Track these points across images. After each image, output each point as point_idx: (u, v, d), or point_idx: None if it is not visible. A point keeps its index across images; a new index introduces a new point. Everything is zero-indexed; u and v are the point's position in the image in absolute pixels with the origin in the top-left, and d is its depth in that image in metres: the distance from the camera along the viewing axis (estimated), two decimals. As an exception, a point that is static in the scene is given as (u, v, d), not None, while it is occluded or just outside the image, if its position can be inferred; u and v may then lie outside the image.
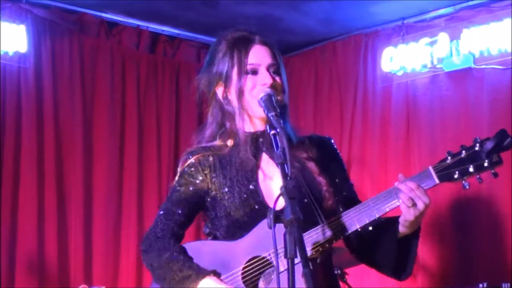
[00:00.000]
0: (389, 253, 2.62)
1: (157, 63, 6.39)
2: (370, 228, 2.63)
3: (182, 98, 6.47)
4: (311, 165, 2.72)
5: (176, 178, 2.79)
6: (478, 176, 2.44)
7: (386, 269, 2.70)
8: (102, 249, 5.82)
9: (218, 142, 2.75)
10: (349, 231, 2.51)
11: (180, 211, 2.72)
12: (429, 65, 5.86)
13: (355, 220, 2.51)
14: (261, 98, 2.55)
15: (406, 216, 2.48)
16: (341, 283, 5.32)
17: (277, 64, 2.70)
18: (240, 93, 2.68)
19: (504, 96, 5.44)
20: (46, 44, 5.71)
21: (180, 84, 6.48)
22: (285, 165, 2.29)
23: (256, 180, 2.66)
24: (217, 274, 2.57)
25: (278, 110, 2.49)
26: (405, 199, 2.46)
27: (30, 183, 5.48)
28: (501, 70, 5.48)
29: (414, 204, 2.45)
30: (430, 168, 2.47)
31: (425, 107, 5.90)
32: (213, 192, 2.70)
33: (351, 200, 2.70)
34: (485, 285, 4.58)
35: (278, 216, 2.20)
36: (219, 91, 2.77)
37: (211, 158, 2.73)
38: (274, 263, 2.49)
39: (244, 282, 2.56)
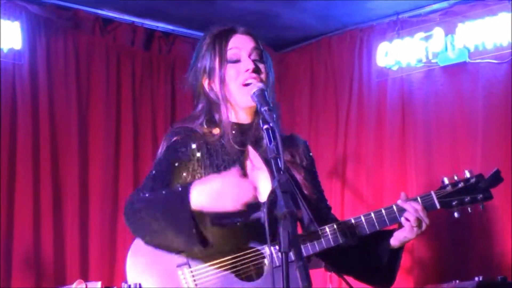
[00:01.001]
0: (379, 264, 2.67)
1: (152, 60, 6.38)
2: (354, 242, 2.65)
3: (178, 94, 6.47)
4: (298, 169, 2.75)
5: (162, 151, 2.75)
6: (470, 207, 2.70)
7: (373, 279, 2.75)
8: (98, 246, 5.82)
9: (204, 129, 2.72)
10: (346, 240, 2.57)
11: (168, 177, 2.68)
12: (424, 60, 5.87)
13: (356, 230, 2.59)
14: (254, 93, 2.53)
15: (409, 234, 2.61)
16: (339, 280, 5.37)
17: (259, 50, 2.70)
18: (222, 82, 2.69)
19: (499, 90, 5.45)
20: (41, 41, 5.71)
21: (175, 80, 6.47)
22: (278, 159, 2.29)
23: (244, 171, 2.63)
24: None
25: (271, 105, 2.48)
26: (412, 219, 2.58)
27: (25, 181, 5.48)
28: (496, 64, 5.49)
29: (420, 225, 2.59)
30: (432, 193, 2.64)
31: (420, 101, 5.91)
32: (198, 174, 2.65)
33: (321, 204, 2.77)
34: (480, 279, 4.59)
35: (271, 210, 2.20)
36: (205, 84, 2.76)
37: (197, 140, 2.69)
38: (267, 256, 2.50)
39: (234, 271, 2.54)
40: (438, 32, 5.75)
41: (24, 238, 5.43)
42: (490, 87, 5.50)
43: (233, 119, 2.72)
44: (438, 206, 2.64)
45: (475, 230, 5.44)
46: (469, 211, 2.69)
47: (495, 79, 5.49)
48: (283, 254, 2.12)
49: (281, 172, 2.25)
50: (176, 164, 2.69)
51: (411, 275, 5.74)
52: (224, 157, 2.67)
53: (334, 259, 2.76)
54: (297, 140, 2.82)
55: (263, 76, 2.67)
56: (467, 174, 2.68)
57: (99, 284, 3.71)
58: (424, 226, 2.61)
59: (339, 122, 6.36)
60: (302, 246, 2.44)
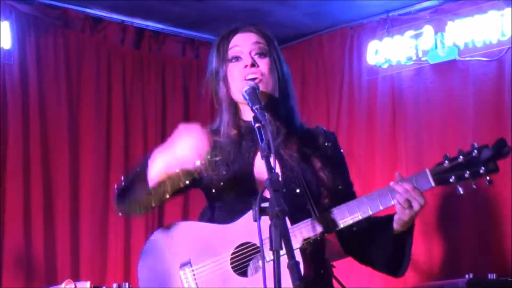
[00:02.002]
0: (384, 250, 2.64)
1: (143, 58, 6.37)
2: (365, 224, 2.64)
3: (168, 92, 6.47)
4: (314, 160, 2.71)
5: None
6: (473, 182, 2.47)
7: (380, 266, 2.72)
8: (89, 246, 5.81)
9: (229, 131, 2.75)
10: (342, 225, 2.52)
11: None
12: (414, 58, 5.88)
13: (348, 214, 2.52)
14: (245, 91, 2.55)
15: (401, 216, 2.51)
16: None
17: (261, 45, 2.71)
18: (225, 82, 2.73)
19: (488, 87, 5.46)
20: (30, 40, 5.69)
21: (165, 78, 6.47)
22: (270, 158, 2.29)
23: (252, 169, 2.67)
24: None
25: (263, 103, 2.48)
26: (401, 200, 2.48)
27: (16, 180, 5.47)
28: (485, 62, 5.50)
29: (410, 206, 2.49)
30: (427, 170, 2.50)
31: (410, 99, 5.92)
32: (211, 178, 2.70)
33: (348, 200, 2.67)
34: (471, 276, 4.60)
35: (264, 209, 2.20)
36: (218, 88, 2.79)
37: (213, 142, 2.68)
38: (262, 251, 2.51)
39: (233, 267, 2.57)
40: (428, 30, 5.76)
41: (14, 238, 5.42)
42: (480, 85, 5.51)
43: (246, 117, 2.73)
44: (432, 183, 2.50)
45: (466, 228, 5.45)
46: (474, 187, 2.47)
47: (485, 77, 5.50)
48: (275, 252, 2.13)
49: (273, 171, 2.26)
50: None
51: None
52: (237, 156, 2.70)
53: (349, 246, 2.77)
54: (316, 133, 2.80)
55: (264, 69, 2.68)
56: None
57: (88, 284, 3.71)
58: (417, 207, 2.49)
59: (330, 120, 6.36)
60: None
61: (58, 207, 5.69)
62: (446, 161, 2.48)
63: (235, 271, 2.57)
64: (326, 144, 2.77)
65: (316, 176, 2.68)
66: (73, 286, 3.70)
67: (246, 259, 2.57)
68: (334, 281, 2.82)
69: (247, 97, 2.53)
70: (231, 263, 2.57)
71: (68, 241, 5.69)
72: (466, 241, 5.44)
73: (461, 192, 2.48)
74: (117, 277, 5.86)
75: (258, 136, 2.39)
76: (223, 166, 2.68)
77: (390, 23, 6.05)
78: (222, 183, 2.67)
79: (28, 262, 5.47)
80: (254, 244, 2.55)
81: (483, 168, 2.44)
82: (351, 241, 2.74)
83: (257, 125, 2.41)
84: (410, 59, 5.90)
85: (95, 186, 5.90)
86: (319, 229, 2.51)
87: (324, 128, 2.86)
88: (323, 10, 6.11)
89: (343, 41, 6.39)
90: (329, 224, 2.52)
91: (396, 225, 2.57)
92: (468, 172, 2.45)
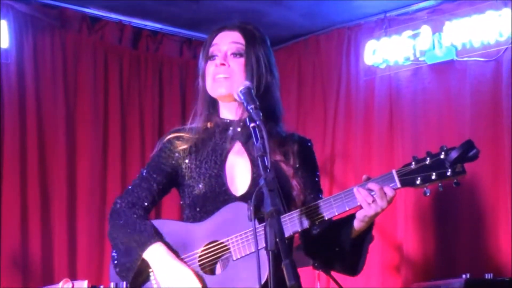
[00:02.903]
0: (343, 250, 2.63)
1: (140, 58, 6.37)
2: (327, 225, 2.65)
3: (165, 92, 6.47)
4: (287, 167, 2.71)
5: (155, 151, 2.84)
6: (440, 184, 2.48)
7: (339, 266, 2.71)
8: (86, 245, 5.81)
9: (199, 124, 2.79)
10: (306, 226, 2.52)
11: (156, 178, 2.78)
12: (412, 58, 5.88)
13: (314, 215, 2.53)
14: (240, 91, 2.55)
15: (367, 212, 2.50)
16: (325, 276, 5.38)
17: (238, 45, 2.72)
18: (203, 79, 2.77)
19: (486, 88, 5.46)
20: (28, 39, 5.69)
21: (163, 78, 6.48)
22: (265, 157, 2.30)
23: (223, 165, 2.69)
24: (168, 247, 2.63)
25: (258, 103, 2.49)
26: (363, 200, 2.48)
27: (13, 180, 5.46)
28: (483, 62, 5.50)
29: (374, 201, 2.48)
30: (394, 171, 2.50)
31: (408, 99, 5.92)
32: (184, 171, 2.74)
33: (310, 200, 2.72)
34: (468, 276, 4.60)
35: (258, 208, 2.21)
36: (198, 83, 2.83)
37: (188, 139, 2.77)
38: (231, 249, 2.54)
39: (200, 265, 2.60)
40: (425, 30, 5.76)
41: (11, 237, 5.41)
42: (478, 85, 5.51)
43: (223, 115, 2.78)
44: (398, 185, 2.49)
45: (463, 228, 5.45)
46: (441, 189, 2.49)
47: (482, 77, 5.50)
48: (270, 252, 2.13)
49: (268, 170, 2.26)
50: (169, 161, 2.78)
51: (399, 273, 5.76)
52: (209, 151, 2.73)
53: (309, 248, 2.77)
54: (292, 140, 2.79)
55: (235, 69, 2.69)
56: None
57: (85, 283, 3.71)
58: (382, 203, 2.46)
59: (327, 120, 6.36)
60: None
61: (55, 206, 5.69)
62: (413, 163, 2.49)
63: (202, 269, 2.59)
64: (300, 152, 2.77)
65: (288, 182, 2.69)
66: (71, 285, 3.70)
67: (214, 257, 2.60)
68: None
69: (242, 97, 2.54)
70: (199, 261, 2.60)
71: (65, 241, 5.69)
72: (463, 241, 5.44)
73: (427, 194, 2.48)
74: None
75: (253, 135, 2.40)
76: (201, 170, 2.71)
77: (388, 23, 6.05)
78: (196, 192, 2.70)
79: (25, 262, 5.47)
80: (222, 243, 2.57)
81: (450, 170, 2.45)
82: (313, 243, 2.74)
83: (252, 124, 2.42)
84: (407, 59, 5.90)
85: (91, 186, 5.90)
86: (290, 229, 2.52)
87: (300, 135, 2.86)
88: (319, 10, 6.11)
89: (340, 41, 6.39)
90: (301, 223, 2.52)
91: (359, 223, 2.56)
92: (434, 174, 2.46)
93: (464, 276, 4.63)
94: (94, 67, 6.04)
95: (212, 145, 2.74)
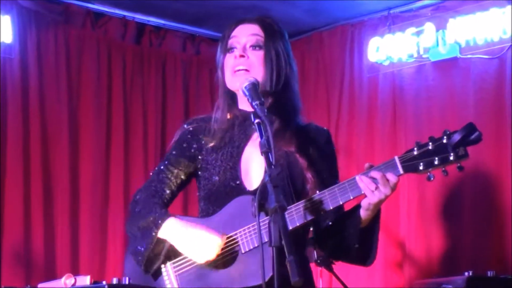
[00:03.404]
0: (353, 240, 2.62)
1: (143, 54, 6.37)
2: (334, 216, 2.67)
3: (168, 88, 6.46)
4: (303, 157, 2.70)
5: (173, 141, 2.85)
6: (443, 168, 2.45)
7: (350, 256, 2.71)
8: (89, 240, 5.81)
9: (218, 114, 2.79)
10: (311, 217, 2.52)
11: (174, 170, 2.79)
12: (416, 55, 5.87)
13: (319, 206, 2.52)
14: (245, 87, 2.55)
15: (371, 199, 2.50)
16: (328, 273, 5.37)
17: (258, 37, 2.72)
18: (222, 71, 2.76)
19: (490, 85, 5.46)
20: (31, 34, 5.69)
21: (166, 74, 6.48)
22: (270, 153, 2.30)
23: (239, 158, 2.70)
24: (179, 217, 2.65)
25: (262, 99, 2.49)
26: (366, 188, 2.48)
27: (15, 176, 5.46)
28: (487, 59, 5.49)
29: (377, 188, 2.47)
30: (396, 158, 2.50)
31: (411, 97, 5.91)
32: (201, 163, 2.76)
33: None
34: (470, 274, 4.60)
35: (262, 204, 2.21)
36: (217, 75, 2.83)
37: (206, 130, 2.78)
38: (239, 243, 2.56)
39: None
40: (429, 27, 5.75)
41: (14, 233, 5.41)
42: (481, 82, 5.50)
43: (242, 107, 2.77)
44: (401, 171, 2.48)
45: (466, 225, 5.45)
46: (445, 174, 2.45)
47: (486, 75, 5.49)
48: (274, 248, 2.13)
49: (272, 167, 2.26)
50: (186, 153, 2.80)
51: (401, 270, 5.75)
52: (227, 143, 2.74)
53: (320, 240, 2.78)
54: (308, 129, 2.80)
55: (254, 61, 2.69)
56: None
57: (88, 278, 3.71)
58: (385, 190, 2.47)
59: (330, 117, 6.36)
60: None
61: (57, 202, 5.69)
62: (415, 148, 2.47)
63: (213, 262, 2.59)
64: (317, 141, 2.78)
65: (302, 174, 2.68)
66: (73, 280, 3.70)
67: (224, 251, 2.59)
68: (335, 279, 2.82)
69: (247, 93, 2.54)
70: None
71: (68, 236, 5.69)
72: (465, 238, 5.43)
73: (432, 179, 2.46)
74: (117, 271, 5.86)
75: (258, 132, 2.39)
76: (217, 162, 2.71)
77: (392, 20, 6.05)
78: (211, 184, 2.71)
79: (27, 258, 5.47)
80: (231, 236, 2.58)
81: (452, 154, 2.42)
82: (323, 234, 2.75)
83: (256, 121, 2.42)
84: (411, 56, 5.89)
85: (94, 181, 5.90)
86: (296, 221, 2.52)
87: (317, 125, 2.86)
88: (323, 7, 6.10)
89: (344, 38, 6.38)
90: (306, 215, 2.52)
91: (365, 211, 2.56)
92: (437, 158, 2.44)
93: (466, 273, 4.62)
94: (98, 63, 6.04)
95: (230, 137, 2.74)
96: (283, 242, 2.13)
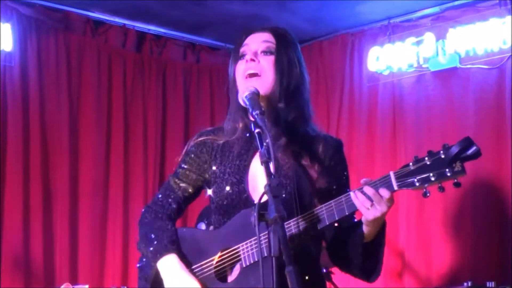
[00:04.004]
0: (357, 254, 2.58)
1: (144, 62, 6.37)
2: (338, 230, 2.64)
3: (169, 96, 6.47)
4: (310, 170, 2.67)
5: (182, 156, 2.84)
6: (439, 185, 2.36)
7: (355, 270, 2.66)
8: (88, 247, 5.81)
9: (228, 127, 2.77)
10: (310, 231, 2.49)
11: (182, 185, 2.80)
12: (415, 65, 5.88)
13: (316, 220, 2.48)
14: (246, 96, 2.54)
15: (366, 216, 2.45)
16: (327, 283, 5.37)
17: (269, 44, 2.70)
18: (233, 80, 2.73)
19: (489, 95, 5.46)
20: (32, 42, 5.69)
21: (166, 82, 6.48)
22: (269, 163, 2.28)
23: (247, 170, 2.68)
24: (184, 258, 2.66)
25: (263, 109, 2.48)
26: (361, 205, 2.43)
27: (15, 182, 5.46)
28: (486, 69, 5.50)
29: (373, 205, 2.41)
30: (391, 173, 2.41)
31: (411, 106, 5.92)
32: (210, 176, 2.75)
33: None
34: (470, 284, 4.60)
35: (262, 214, 2.20)
36: (229, 86, 2.80)
37: (216, 142, 2.77)
38: (241, 256, 2.55)
39: (215, 272, 2.60)
40: (429, 37, 5.76)
41: (13, 239, 5.41)
42: (481, 93, 5.51)
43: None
44: (395, 187, 2.38)
45: (466, 235, 5.45)
46: (441, 191, 2.35)
47: (485, 85, 5.50)
48: (273, 259, 2.13)
49: (272, 177, 2.25)
50: (191, 168, 2.80)
51: (401, 280, 5.75)
52: (235, 155, 2.72)
53: (328, 251, 2.75)
54: (318, 140, 2.75)
55: (265, 66, 2.66)
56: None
57: (86, 287, 3.71)
58: (380, 207, 2.39)
59: (330, 126, 6.36)
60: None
61: (57, 209, 5.68)
62: (411, 163, 2.38)
63: (217, 275, 2.60)
64: (325, 153, 2.73)
65: (311, 185, 2.65)
66: (71, 289, 3.70)
67: (227, 264, 2.60)
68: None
69: (247, 102, 2.52)
70: (215, 268, 2.61)
71: (67, 244, 5.69)
72: (465, 248, 5.43)
73: (428, 195, 2.37)
74: (115, 280, 5.86)
75: (258, 141, 2.38)
76: (225, 175, 2.70)
77: (392, 29, 6.06)
78: (220, 198, 2.70)
79: (26, 265, 5.46)
80: (234, 249, 2.58)
81: (448, 170, 2.32)
82: (330, 247, 2.72)
83: (257, 130, 2.40)
84: (411, 66, 5.90)
85: (94, 188, 5.90)
86: (297, 229, 2.49)
87: (328, 135, 2.82)
88: (323, 16, 6.11)
89: (344, 47, 6.39)
90: (308, 226, 2.48)
91: (364, 227, 2.51)
92: (433, 174, 2.34)
93: (466, 283, 4.63)
94: (98, 71, 6.05)
95: (238, 149, 2.72)
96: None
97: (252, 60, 2.66)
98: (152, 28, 6.40)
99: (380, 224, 2.51)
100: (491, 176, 5.34)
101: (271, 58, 2.68)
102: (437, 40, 5.73)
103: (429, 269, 5.62)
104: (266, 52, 2.69)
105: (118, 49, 6.23)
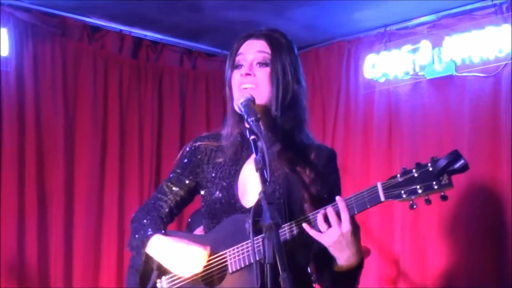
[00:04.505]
0: (327, 277, 2.57)
1: (140, 68, 6.37)
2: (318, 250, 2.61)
3: (165, 102, 6.47)
4: (301, 178, 2.67)
5: (176, 160, 2.87)
6: (426, 197, 2.36)
7: None
8: (83, 251, 5.81)
9: (226, 131, 2.78)
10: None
11: (175, 189, 2.83)
12: (411, 72, 5.89)
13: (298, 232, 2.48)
14: (241, 103, 2.55)
15: (322, 240, 2.43)
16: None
17: (265, 54, 2.70)
18: (229, 88, 2.74)
19: (485, 103, 5.47)
20: (28, 47, 5.68)
21: (162, 88, 6.49)
22: (264, 170, 2.29)
23: (237, 176, 2.69)
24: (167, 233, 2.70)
25: (258, 116, 2.48)
26: (318, 223, 2.43)
27: (11, 187, 5.44)
28: (482, 78, 5.50)
29: (329, 228, 2.41)
30: (379, 184, 2.41)
31: (407, 114, 5.92)
32: (202, 181, 2.78)
33: None
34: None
35: (257, 221, 2.21)
36: (225, 91, 2.81)
37: (210, 147, 2.80)
38: (228, 262, 2.56)
39: (202, 277, 2.61)
40: (425, 44, 5.78)
41: (8, 242, 5.39)
42: (477, 101, 5.51)
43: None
44: (382, 198, 2.37)
45: (461, 242, 5.45)
46: (427, 203, 2.35)
47: (481, 93, 5.50)
48: (267, 265, 2.13)
49: (267, 183, 2.25)
50: (185, 172, 2.82)
51: (395, 286, 5.75)
52: (227, 161, 2.74)
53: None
54: (311, 149, 2.75)
55: (260, 79, 2.67)
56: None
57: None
58: (339, 230, 2.39)
59: (326, 134, 6.36)
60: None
61: (52, 213, 5.67)
62: (399, 175, 2.39)
63: (203, 280, 2.61)
64: (317, 161, 2.72)
65: (301, 194, 2.64)
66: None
67: (214, 269, 2.60)
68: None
69: (242, 109, 2.53)
70: (201, 273, 2.61)
71: (62, 246, 5.68)
72: (460, 255, 5.43)
73: (414, 207, 2.36)
74: (110, 283, 5.86)
75: (253, 148, 2.38)
76: (216, 179, 2.72)
77: (388, 37, 6.06)
78: (210, 202, 2.71)
79: (21, 268, 5.45)
80: (221, 255, 2.58)
81: (435, 182, 2.32)
82: (314, 259, 2.70)
83: (252, 137, 2.41)
84: (407, 73, 5.91)
85: (89, 193, 5.90)
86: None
87: (322, 144, 2.82)
88: (320, 23, 6.11)
89: (340, 54, 6.40)
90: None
91: (331, 251, 2.47)
92: (420, 187, 2.34)
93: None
94: (94, 76, 6.04)
95: (231, 154, 2.74)
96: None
97: (248, 74, 2.67)
98: (149, 34, 6.41)
99: (357, 259, 2.48)
100: (486, 183, 5.35)
101: (267, 70, 2.68)
102: (433, 48, 5.74)
103: (424, 275, 5.62)
104: (261, 63, 2.69)
105: (115, 55, 6.23)
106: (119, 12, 5.93)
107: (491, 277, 5.22)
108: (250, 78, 2.67)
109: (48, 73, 5.78)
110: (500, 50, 5.38)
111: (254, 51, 2.71)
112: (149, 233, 2.68)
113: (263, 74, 2.68)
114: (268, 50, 2.71)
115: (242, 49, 2.74)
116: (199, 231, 4.95)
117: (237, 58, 2.73)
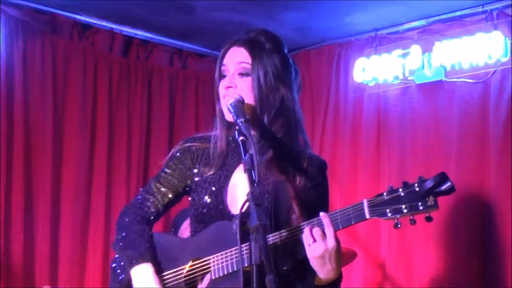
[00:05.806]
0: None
1: (130, 67, 6.36)
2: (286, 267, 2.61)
3: (154, 102, 6.46)
4: (290, 188, 2.64)
5: (166, 160, 2.84)
6: (411, 217, 2.36)
7: None
8: (69, 250, 5.78)
9: (216, 135, 2.77)
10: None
11: (163, 190, 2.80)
12: (401, 77, 5.90)
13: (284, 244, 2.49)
14: (230, 104, 2.55)
15: (308, 253, 2.42)
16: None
17: (245, 65, 2.67)
18: (217, 98, 2.73)
19: (474, 109, 5.48)
20: (18, 44, 5.66)
21: (152, 88, 6.47)
22: (253, 171, 2.28)
23: (227, 182, 2.68)
24: (157, 265, 2.68)
25: (247, 117, 2.48)
26: (305, 242, 2.42)
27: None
28: (471, 83, 5.52)
29: (314, 242, 2.40)
30: (365, 201, 2.40)
31: (396, 118, 5.94)
32: (191, 184, 2.76)
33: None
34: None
35: (244, 222, 2.20)
36: (215, 98, 2.80)
37: (201, 149, 2.78)
38: (211, 268, 2.55)
39: (185, 281, 2.61)
40: (415, 49, 5.79)
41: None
42: (465, 106, 5.53)
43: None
44: (367, 216, 2.38)
45: (447, 246, 5.46)
46: (412, 223, 2.36)
47: (470, 98, 5.52)
48: (253, 267, 2.12)
49: (255, 185, 2.25)
50: (174, 173, 2.80)
51: (381, 290, 5.76)
52: (218, 166, 2.72)
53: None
54: (302, 157, 2.73)
55: (241, 90, 2.64)
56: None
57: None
58: (323, 245, 2.38)
59: (315, 136, 6.37)
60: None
61: (38, 211, 5.65)
62: (385, 193, 2.39)
63: (186, 285, 2.61)
64: (309, 170, 2.71)
65: (289, 203, 2.62)
66: (51, 292, 3.68)
67: (197, 274, 2.60)
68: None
69: (231, 110, 2.53)
70: (185, 278, 2.62)
71: (48, 245, 5.65)
72: (446, 260, 5.45)
73: (398, 226, 2.37)
74: (96, 283, 5.84)
75: (242, 149, 2.37)
76: (205, 184, 2.71)
77: (378, 41, 6.08)
78: (198, 206, 2.70)
79: (6, 266, 5.43)
80: (205, 260, 2.58)
81: (420, 203, 2.33)
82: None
83: (240, 138, 2.39)
84: (396, 78, 5.92)
85: (77, 192, 5.87)
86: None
87: (313, 154, 2.80)
88: (311, 26, 6.12)
89: (330, 57, 6.41)
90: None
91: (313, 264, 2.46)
92: (405, 206, 2.35)
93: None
94: (84, 74, 6.03)
95: (222, 159, 2.73)
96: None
97: (229, 87, 2.66)
98: (139, 33, 6.40)
99: (331, 272, 2.46)
100: (473, 189, 5.36)
101: (248, 80, 2.66)
102: (423, 53, 5.75)
103: (410, 279, 5.63)
104: (242, 74, 2.67)
105: (105, 53, 6.22)
106: (110, 10, 5.92)
107: (476, 281, 5.24)
108: (232, 91, 2.65)
109: (38, 70, 5.75)
110: (489, 57, 5.39)
111: (234, 62, 2.69)
112: (139, 257, 2.67)
113: (245, 84, 2.66)
114: (248, 59, 2.67)
115: (225, 59, 2.72)
116: (184, 226, 4.97)
117: (222, 68, 2.72)
